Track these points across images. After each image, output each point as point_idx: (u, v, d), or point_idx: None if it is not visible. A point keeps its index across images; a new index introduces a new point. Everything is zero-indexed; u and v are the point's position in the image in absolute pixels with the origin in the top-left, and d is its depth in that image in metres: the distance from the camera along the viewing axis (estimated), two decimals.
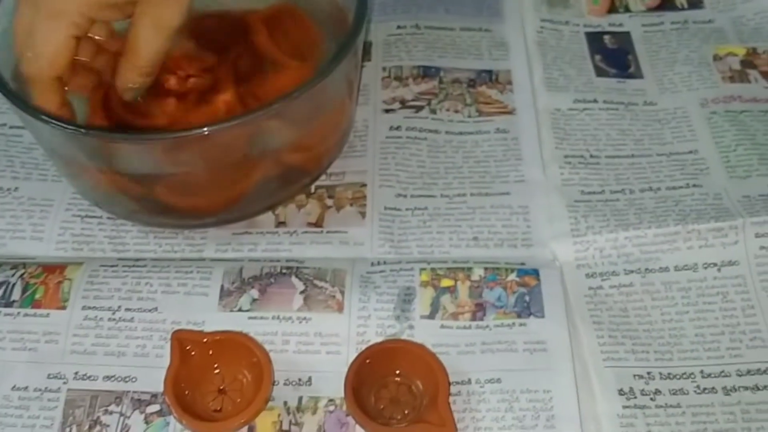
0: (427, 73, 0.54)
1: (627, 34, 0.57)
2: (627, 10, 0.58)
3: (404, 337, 0.41)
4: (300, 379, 0.40)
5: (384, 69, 0.54)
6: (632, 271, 0.44)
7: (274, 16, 0.50)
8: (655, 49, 0.56)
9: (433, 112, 0.52)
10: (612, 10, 0.58)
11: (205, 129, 0.39)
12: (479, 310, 0.42)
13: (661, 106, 0.52)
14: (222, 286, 0.43)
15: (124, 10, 0.41)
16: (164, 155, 0.42)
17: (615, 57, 0.55)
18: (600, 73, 0.54)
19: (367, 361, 0.39)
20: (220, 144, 0.41)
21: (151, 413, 0.39)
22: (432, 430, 0.37)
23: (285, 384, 0.40)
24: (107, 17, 0.42)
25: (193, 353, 0.39)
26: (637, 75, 0.54)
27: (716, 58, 0.55)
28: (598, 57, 0.55)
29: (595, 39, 0.56)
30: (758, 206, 0.46)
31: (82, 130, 0.40)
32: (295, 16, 0.50)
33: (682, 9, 0.58)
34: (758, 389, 0.40)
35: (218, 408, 0.39)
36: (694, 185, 0.48)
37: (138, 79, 0.42)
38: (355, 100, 0.51)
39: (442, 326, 0.42)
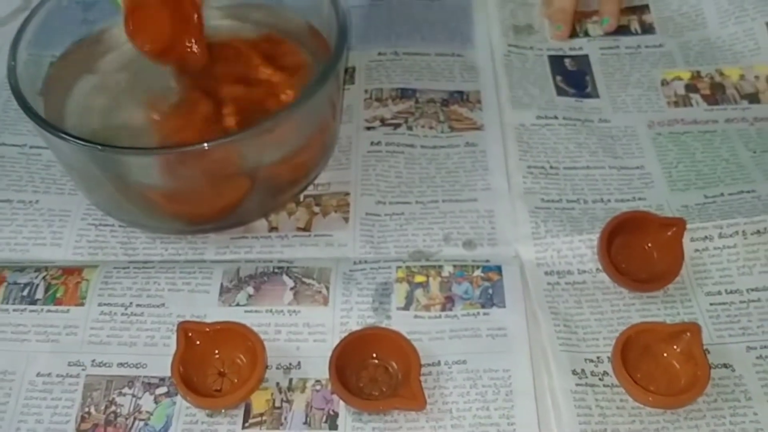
0: (404, 94, 0.60)
1: (586, 57, 0.63)
2: (586, 34, 0.65)
3: (382, 326, 0.47)
4: (290, 364, 0.45)
5: (366, 91, 0.60)
6: (585, 271, 0.50)
7: (262, 43, 0.56)
8: (610, 71, 0.62)
9: (410, 128, 0.58)
10: (573, 35, 0.64)
11: (205, 144, 0.45)
12: (448, 302, 0.48)
13: (614, 124, 0.58)
14: (221, 284, 0.49)
15: None
16: (171, 167, 0.48)
17: (574, 78, 0.61)
18: (560, 92, 0.60)
19: (349, 346, 0.44)
20: (218, 158, 0.47)
21: (160, 394, 0.45)
22: (405, 403, 0.42)
23: (277, 368, 0.45)
24: None
25: (197, 341, 0.45)
26: (594, 95, 0.60)
27: (664, 83, 0.60)
28: (559, 78, 0.61)
29: (556, 62, 0.62)
30: (694, 214, 0.51)
31: (98, 147, 0.46)
32: (280, 43, 0.56)
33: (636, 34, 0.65)
34: None
35: (218, 388, 0.44)
36: (639, 198, 0.53)
37: None
38: (339, 119, 0.56)
39: (416, 316, 0.47)
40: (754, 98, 0.59)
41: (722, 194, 0.53)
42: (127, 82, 0.56)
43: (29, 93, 0.49)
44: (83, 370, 0.45)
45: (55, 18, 0.54)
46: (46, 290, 0.48)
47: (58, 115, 0.52)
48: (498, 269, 0.49)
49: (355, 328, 0.46)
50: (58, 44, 0.56)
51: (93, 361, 0.46)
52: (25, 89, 0.49)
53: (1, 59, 0.62)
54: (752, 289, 0.48)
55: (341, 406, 0.44)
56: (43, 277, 0.49)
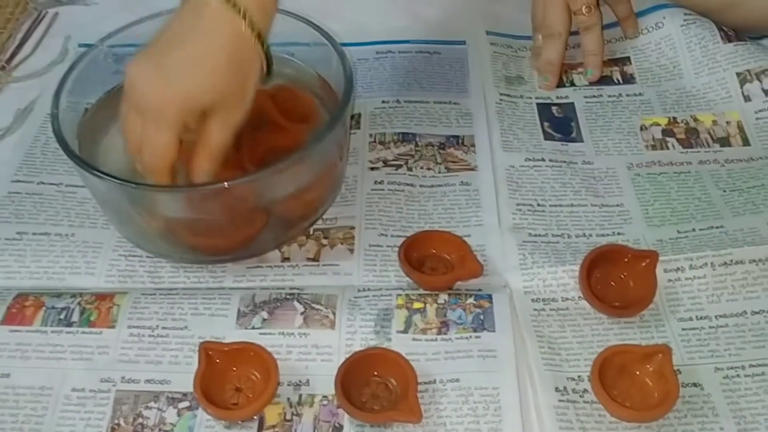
0: (405, 138, 0.65)
1: (571, 104, 0.69)
2: (572, 84, 0.70)
3: (383, 347, 0.51)
4: (300, 381, 0.50)
5: (370, 135, 0.66)
6: (568, 299, 0.55)
7: (277, 92, 0.61)
8: (593, 117, 0.67)
9: (410, 169, 0.63)
10: (560, 84, 0.70)
11: (225, 183, 0.51)
12: (444, 326, 0.52)
13: (596, 166, 0.63)
14: (239, 309, 0.53)
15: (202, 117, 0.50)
16: (195, 203, 0.53)
17: (561, 124, 0.67)
18: (547, 137, 0.66)
19: (353, 365, 0.49)
20: (237, 195, 0.52)
21: (183, 408, 0.49)
22: (403, 416, 0.47)
23: (288, 385, 0.50)
24: (193, 123, 0.50)
25: (216, 360, 0.50)
26: (578, 139, 0.66)
27: (642, 128, 0.66)
28: (546, 124, 0.67)
29: (544, 109, 0.68)
30: (667, 248, 0.56)
31: (132, 185, 0.51)
32: (293, 92, 0.61)
33: (618, 84, 0.70)
34: None
35: (235, 402, 0.49)
36: (618, 233, 0.58)
37: (208, 166, 0.51)
38: (345, 160, 0.62)
39: (414, 339, 0.52)
40: (725, 142, 0.65)
41: (694, 229, 0.58)
42: None
43: (68, 137, 0.55)
44: (114, 385, 0.50)
45: (91, 69, 0.60)
46: (81, 314, 0.53)
47: (93, 156, 0.57)
48: (489, 297, 0.54)
49: (359, 349, 0.51)
50: (92, 93, 0.61)
51: (122, 377, 0.50)
52: (65, 133, 0.54)
53: (39, 107, 0.69)
54: (720, 316, 0.53)
55: (346, 419, 0.48)
56: (78, 303, 0.54)
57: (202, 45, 0.48)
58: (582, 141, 0.65)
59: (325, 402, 0.49)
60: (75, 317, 0.53)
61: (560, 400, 0.49)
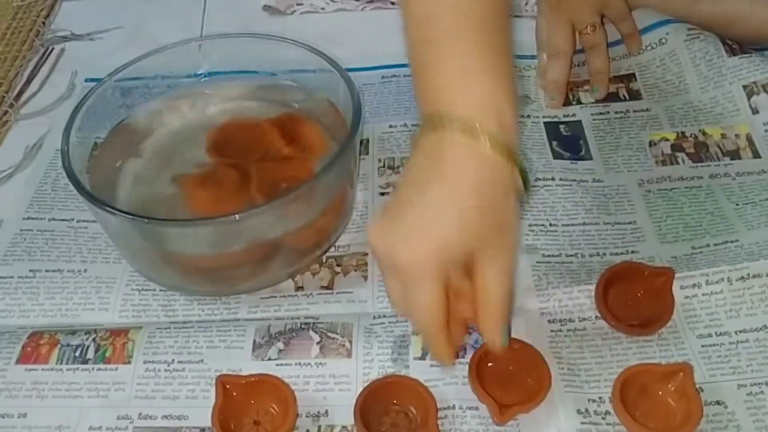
0: None
1: (579, 122, 0.69)
2: (579, 102, 0.70)
3: (401, 374, 0.51)
4: (318, 412, 0.50)
5: (379, 160, 0.66)
6: (585, 319, 0.54)
7: (283, 121, 0.62)
8: (602, 135, 0.67)
9: None
10: (566, 103, 0.70)
11: (236, 216, 0.51)
12: (461, 350, 0.52)
13: (606, 183, 0.63)
14: (254, 341, 0.53)
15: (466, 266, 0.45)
16: (206, 236, 0.53)
17: (569, 142, 0.67)
18: (556, 156, 0.66)
19: (372, 394, 0.49)
20: (248, 226, 0.52)
21: None
22: None
23: (306, 416, 0.49)
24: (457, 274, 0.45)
25: (233, 393, 0.49)
26: (587, 157, 0.65)
27: (651, 144, 0.66)
28: (554, 143, 0.67)
29: (552, 128, 0.68)
30: (682, 264, 0.56)
31: (144, 219, 0.51)
32: (300, 120, 0.62)
33: (625, 100, 0.70)
34: None
35: None
36: (632, 251, 0.58)
37: (497, 327, 0.46)
38: (356, 187, 0.62)
39: (432, 365, 0.51)
40: (735, 155, 0.64)
41: (708, 245, 0.57)
42: (163, 160, 0.61)
43: (79, 172, 0.55)
44: (131, 422, 0.50)
45: (99, 105, 0.61)
46: (96, 350, 0.53)
47: (103, 191, 0.57)
48: None
49: (377, 377, 0.51)
50: (100, 128, 0.62)
51: (140, 414, 0.50)
52: (75, 169, 0.55)
53: (48, 143, 0.69)
54: (740, 331, 0.52)
55: None
56: (93, 339, 0.53)
57: (444, 188, 0.43)
58: (591, 159, 0.65)
59: None
60: (90, 354, 0.53)
61: (582, 423, 0.49)
